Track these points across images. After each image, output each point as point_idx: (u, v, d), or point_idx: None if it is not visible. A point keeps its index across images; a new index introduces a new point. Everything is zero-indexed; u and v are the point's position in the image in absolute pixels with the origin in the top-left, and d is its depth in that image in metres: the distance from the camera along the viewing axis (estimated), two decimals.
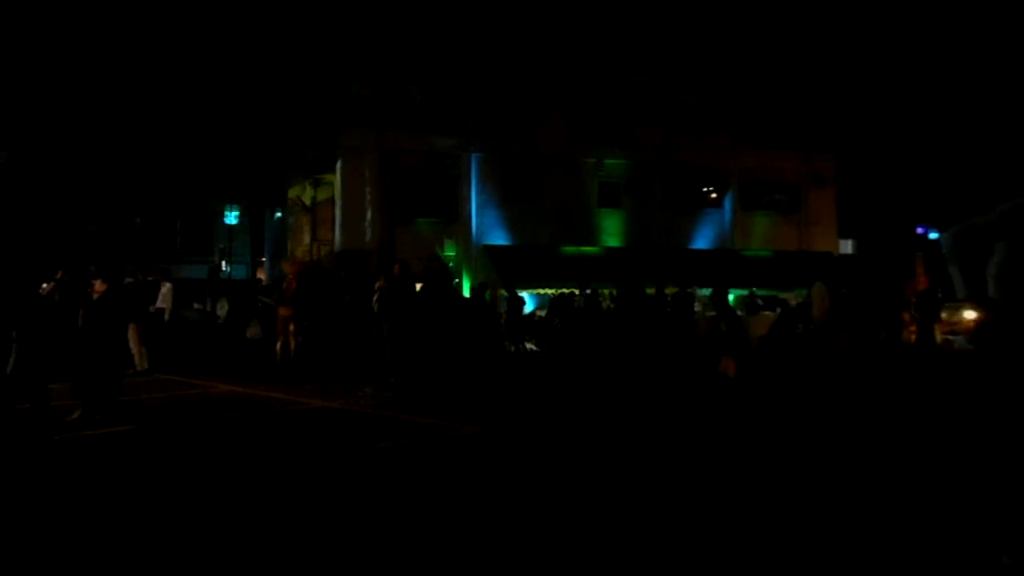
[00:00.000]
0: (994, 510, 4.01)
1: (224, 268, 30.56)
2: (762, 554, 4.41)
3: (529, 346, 20.26)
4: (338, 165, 28.68)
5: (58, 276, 8.99)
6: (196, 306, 20.95)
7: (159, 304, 14.81)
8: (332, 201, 30.12)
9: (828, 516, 5.07)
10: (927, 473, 6.27)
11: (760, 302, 24.52)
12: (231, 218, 30.66)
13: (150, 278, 15.12)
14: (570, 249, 28.38)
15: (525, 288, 24.09)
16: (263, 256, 36.52)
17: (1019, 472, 3.83)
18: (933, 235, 32.93)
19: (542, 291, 26.23)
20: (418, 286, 12.73)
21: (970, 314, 22.43)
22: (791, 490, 5.79)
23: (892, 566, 4.21)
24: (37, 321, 7.79)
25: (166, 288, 15.16)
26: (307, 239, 32.51)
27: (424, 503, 5.47)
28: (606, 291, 19.89)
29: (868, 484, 5.92)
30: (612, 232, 30.30)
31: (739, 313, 26.19)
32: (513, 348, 19.37)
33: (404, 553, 4.47)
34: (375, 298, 12.22)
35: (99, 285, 9.15)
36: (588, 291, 18.92)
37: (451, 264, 25.60)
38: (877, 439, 7.78)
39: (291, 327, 13.26)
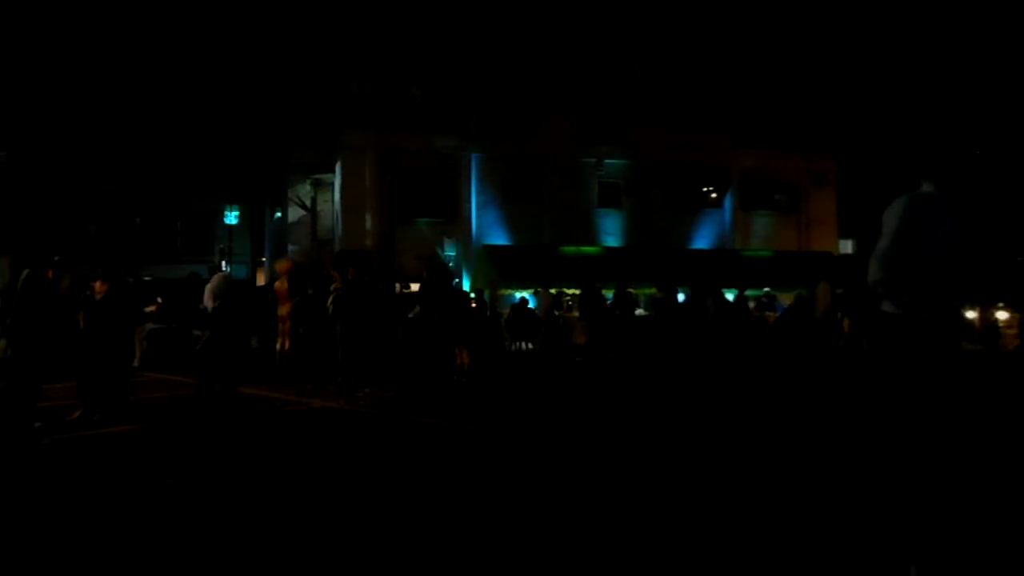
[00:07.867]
0: (900, 521, 3.85)
1: (224, 268, 30.50)
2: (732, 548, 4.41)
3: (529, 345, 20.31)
4: (338, 165, 28.68)
5: (50, 275, 8.95)
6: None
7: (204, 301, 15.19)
8: (332, 201, 30.13)
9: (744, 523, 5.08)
10: (824, 482, 6.00)
11: (765, 300, 24.48)
12: (231, 218, 30.66)
13: (147, 278, 15.15)
14: (570, 249, 28.35)
15: (525, 288, 24.07)
16: (263, 256, 36.50)
17: (918, 480, 3.75)
18: None
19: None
20: (415, 286, 12.75)
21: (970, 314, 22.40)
22: (767, 489, 5.80)
23: None
24: (35, 321, 7.78)
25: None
26: (307, 239, 32.49)
27: (425, 504, 5.48)
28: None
29: (748, 502, 5.56)
30: (612, 232, 30.27)
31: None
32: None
33: (406, 552, 4.47)
34: (329, 300, 12.32)
35: (100, 286, 9.15)
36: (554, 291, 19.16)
37: (451, 264, 25.59)
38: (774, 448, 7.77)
39: (287, 326, 13.28)
